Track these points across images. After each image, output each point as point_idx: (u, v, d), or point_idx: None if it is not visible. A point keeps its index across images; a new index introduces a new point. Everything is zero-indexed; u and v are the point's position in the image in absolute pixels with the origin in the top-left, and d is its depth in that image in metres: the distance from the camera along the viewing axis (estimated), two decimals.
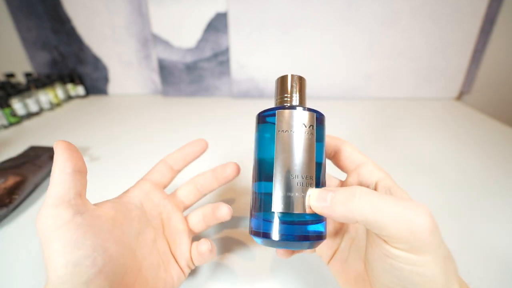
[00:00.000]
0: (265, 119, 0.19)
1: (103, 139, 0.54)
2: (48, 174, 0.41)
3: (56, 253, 0.15)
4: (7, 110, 0.61)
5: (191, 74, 0.79)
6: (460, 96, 0.77)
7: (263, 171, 0.18)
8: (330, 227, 0.22)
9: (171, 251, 0.22)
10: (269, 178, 0.17)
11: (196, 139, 0.26)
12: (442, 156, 0.45)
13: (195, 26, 0.73)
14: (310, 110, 0.18)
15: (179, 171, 0.26)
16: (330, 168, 0.24)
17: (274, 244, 0.17)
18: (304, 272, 0.25)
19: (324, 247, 0.22)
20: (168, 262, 0.21)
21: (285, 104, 0.20)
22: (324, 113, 0.20)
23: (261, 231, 0.17)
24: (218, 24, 0.72)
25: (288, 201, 0.16)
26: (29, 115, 0.67)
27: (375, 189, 0.18)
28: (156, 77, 0.83)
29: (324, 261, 0.22)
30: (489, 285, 0.24)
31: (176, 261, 0.22)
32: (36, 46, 0.82)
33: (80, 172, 0.17)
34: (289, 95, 0.20)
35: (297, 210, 0.16)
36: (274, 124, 0.18)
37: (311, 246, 0.17)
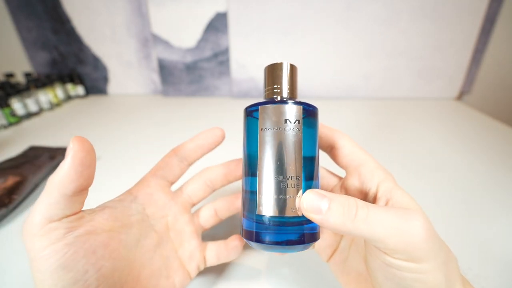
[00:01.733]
0: (251, 114, 0.17)
1: (103, 139, 0.54)
2: (48, 174, 0.41)
3: (43, 275, 0.13)
4: (6, 110, 0.61)
5: (191, 74, 0.79)
6: (460, 96, 0.77)
7: (250, 167, 0.17)
8: None
9: (177, 253, 0.21)
10: (256, 174, 0.16)
11: (211, 128, 0.23)
12: (442, 156, 0.45)
13: (195, 26, 0.73)
14: (296, 103, 0.17)
15: (189, 165, 0.23)
16: (330, 164, 0.24)
17: (266, 248, 0.16)
18: (303, 270, 0.25)
19: (322, 244, 0.21)
20: (171, 267, 0.20)
21: (274, 97, 0.18)
22: (317, 107, 0.18)
23: (253, 234, 0.16)
24: (218, 24, 0.72)
25: (274, 203, 0.16)
26: (29, 115, 0.67)
27: (376, 191, 0.18)
28: (156, 77, 0.83)
29: (322, 259, 0.22)
30: (489, 282, 0.23)
31: (183, 265, 0.21)
32: (36, 46, 0.82)
33: (83, 191, 0.15)
34: (278, 86, 0.18)
35: (283, 213, 0.15)
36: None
37: (305, 248, 0.17)
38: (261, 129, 0.16)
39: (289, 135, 0.16)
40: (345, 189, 0.21)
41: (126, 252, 0.17)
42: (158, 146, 0.51)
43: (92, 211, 0.17)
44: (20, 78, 0.81)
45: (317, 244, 0.21)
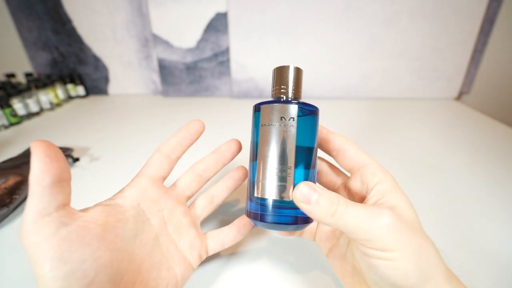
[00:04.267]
0: (257, 110, 0.20)
1: (103, 139, 0.54)
2: None
3: (43, 269, 0.14)
4: (7, 110, 0.61)
5: (191, 74, 0.79)
6: (459, 96, 0.77)
7: (254, 154, 0.20)
8: None
9: (177, 246, 0.22)
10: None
11: (191, 121, 0.24)
12: (441, 156, 0.45)
13: (195, 26, 0.73)
14: (292, 103, 0.19)
15: (177, 158, 0.24)
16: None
17: (266, 226, 0.19)
18: (305, 260, 0.25)
19: (323, 238, 0.23)
20: (172, 259, 0.21)
21: (281, 96, 0.20)
22: (317, 106, 0.20)
23: (253, 214, 0.19)
24: (218, 24, 0.72)
25: (265, 188, 0.18)
26: (30, 115, 0.67)
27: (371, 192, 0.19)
28: (156, 77, 0.83)
29: (323, 253, 0.23)
30: (485, 280, 0.24)
31: (184, 256, 0.22)
32: (37, 47, 0.82)
33: (62, 182, 0.15)
34: (284, 87, 0.20)
35: (277, 197, 0.18)
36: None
37: (299, 228, 0.19)
38: (262, 125, 0.19)
39: (282, 130, 0.18)
40: (348, 190, 0.22)
41: (124, 244, 0.18)
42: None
43: (84, 209, 0.18)
44: (21, 78, 0.82)
45: (318, 239, 0.23)
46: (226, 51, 0.75)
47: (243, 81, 0.78)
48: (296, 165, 0.18)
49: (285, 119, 0.18)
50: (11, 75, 0.71)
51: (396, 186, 0.19)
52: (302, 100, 0.21)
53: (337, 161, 0.22)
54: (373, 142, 0.50)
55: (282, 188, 0.18)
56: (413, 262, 0.15)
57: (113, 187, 0.33)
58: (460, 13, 0.65)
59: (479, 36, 0.68)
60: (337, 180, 0.23)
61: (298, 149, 0.19)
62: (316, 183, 0.21)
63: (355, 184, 0.21)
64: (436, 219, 0.31)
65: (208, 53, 0.76)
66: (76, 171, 0.43)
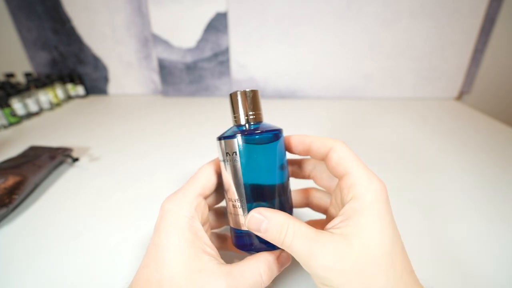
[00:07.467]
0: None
1: (103, 139, 0.54)
2: (48, 174, 0.41)
3: (179, 231, 0.17)
4: (7, 110, 0.61)
5: (191, 74, 0.79)
6: (460, 96, 0.77)
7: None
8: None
9: None
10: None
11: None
12: (441, 156, 0.45)
13: (195, 26, 0.73)
14: (232, 137, 0.18)
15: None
16: None
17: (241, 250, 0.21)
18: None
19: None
20: None
21: (237, 124, 0.21)
22: (281, 127, 0.20)
23: (232, 239, 0.21)
24: (218, 24, 0.72)
25: (230, 218, 0.20)
26: (29, 115, 0.67)
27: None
28: (156, 77, 0.83)
29: None
30: (486, 276, 0.24)
31: None
32: (36, 46, 0.82)
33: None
34: (236, 115, 0.20)
35: (237, 226, 0.20)
36: None
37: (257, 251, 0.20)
38: (218, 160, 0.21)
39: (229, 166, 0.19)
40: (334, 197, 0.21)
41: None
42: (158, 146, 0.51)
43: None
44: (20, 78, 0.81)
45: None
46: (226, 51, 0.75)
47: (243, 81, 0.78)
48: (248, 197, 0.19)
49: (229, 154, 0.19)
50: (11, 75, 0.71)
51: (374, 202, 0.16)
52: (264, 121, 0.21)
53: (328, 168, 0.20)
54: (373, 142, 0.50)
55: (240, 218, 0.19)
56: None
57: (113, 187, 0.33)
58: (460, 13, 0.65)
59: (479, 36, 0.68)
60: (331, 184, 0.22)
61: (247, 183, 0.19)
62: (292, 204, 0.21)
63: (335, 200, 0.20)
64: (436, 218, 0.31)
65: (208, 53, 0.76)
66: (75, 171, 0.43)
